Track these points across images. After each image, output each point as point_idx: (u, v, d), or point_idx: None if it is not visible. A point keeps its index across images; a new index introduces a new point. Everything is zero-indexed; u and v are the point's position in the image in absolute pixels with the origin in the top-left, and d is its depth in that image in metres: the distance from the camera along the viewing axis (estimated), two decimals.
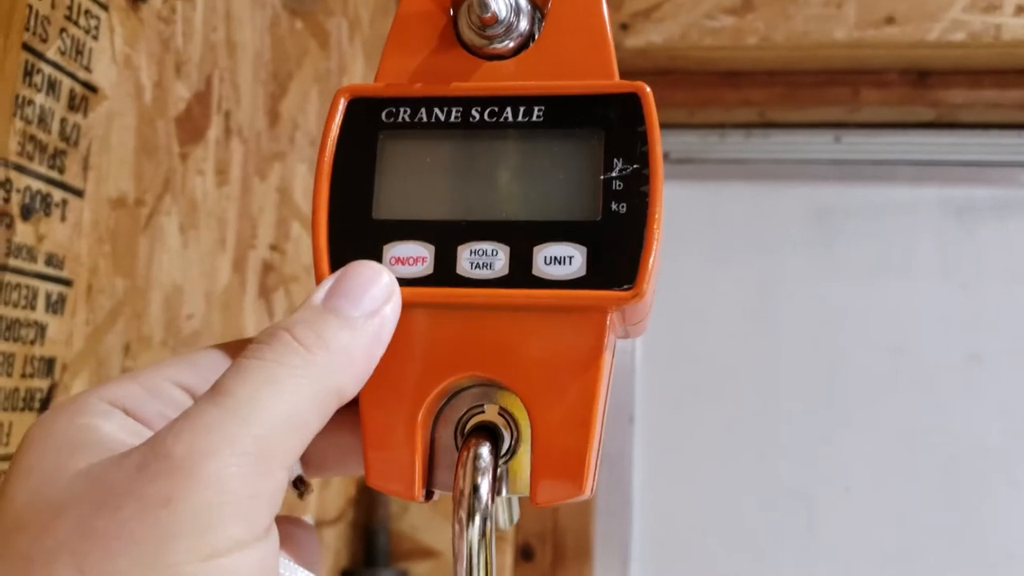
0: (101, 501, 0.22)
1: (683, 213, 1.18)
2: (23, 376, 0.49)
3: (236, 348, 0.29)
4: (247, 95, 0.73)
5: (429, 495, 0.29)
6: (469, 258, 0.28)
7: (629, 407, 1.15)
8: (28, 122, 0.48)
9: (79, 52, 0.52)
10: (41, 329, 0.50)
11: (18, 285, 0.48)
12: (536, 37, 0.31)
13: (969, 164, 1.13)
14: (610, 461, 1.14)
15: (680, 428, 1.15)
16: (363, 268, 0.28)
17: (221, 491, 0.22)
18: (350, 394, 0.26)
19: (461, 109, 0.30)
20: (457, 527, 0.27)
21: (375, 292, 0.27)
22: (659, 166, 0.28)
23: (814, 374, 1.13)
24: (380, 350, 0.27)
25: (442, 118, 0.30)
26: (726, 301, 1.16)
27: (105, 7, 0.54)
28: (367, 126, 0.30)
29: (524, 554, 1.09)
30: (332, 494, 0.96)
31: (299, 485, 0.30)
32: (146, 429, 0.26)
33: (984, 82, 1.07)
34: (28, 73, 0.48)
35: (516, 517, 0.32)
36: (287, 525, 0.28)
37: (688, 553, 1.13)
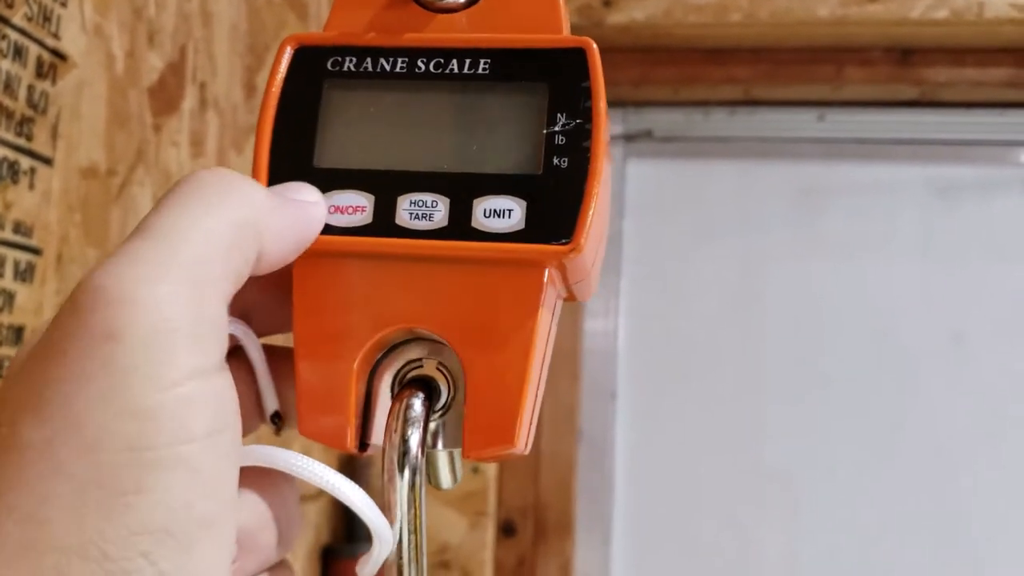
0: (44, 353, 0.21)
1: (667, 191, 1.18)
2: None
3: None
4: (223, 67, 0.72)
5: (364, 447, 0.29)
6: (408, 208, 0.28)
7: (612, 384, 1.16)
8: None
9: (47, 19, 0.52)
10: (10, 297, 0.50)
11: None
12: None
13: (952, 143, 1.13)
14: (592, 438, 1.14)
15: (663, 406, 1.15)
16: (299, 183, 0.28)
17: (164, 317, 0.21)
18: (271, 251, 0.26)
19: (407, 60, 0.30)
20: (386, 478, 0.27)
21: (305, 193, 0.28)
22: (603, 121, 0.28)
23: (798, 353, 1.14)
24: (302, 230, 0.27)
25: (387, 68, 0.29)
26: (709, 279, 1.16)
27: None
28: (312, 75, 0.30)
29: (506, 530, 1.10)
30: None
31: (276, 420, 0.30)
32: None
33: (967, 60, 1.07)
34: None
35: (460, 477, 0.32)
36: (266, 475, 0.27)
37: (670, 531, 1.14)
